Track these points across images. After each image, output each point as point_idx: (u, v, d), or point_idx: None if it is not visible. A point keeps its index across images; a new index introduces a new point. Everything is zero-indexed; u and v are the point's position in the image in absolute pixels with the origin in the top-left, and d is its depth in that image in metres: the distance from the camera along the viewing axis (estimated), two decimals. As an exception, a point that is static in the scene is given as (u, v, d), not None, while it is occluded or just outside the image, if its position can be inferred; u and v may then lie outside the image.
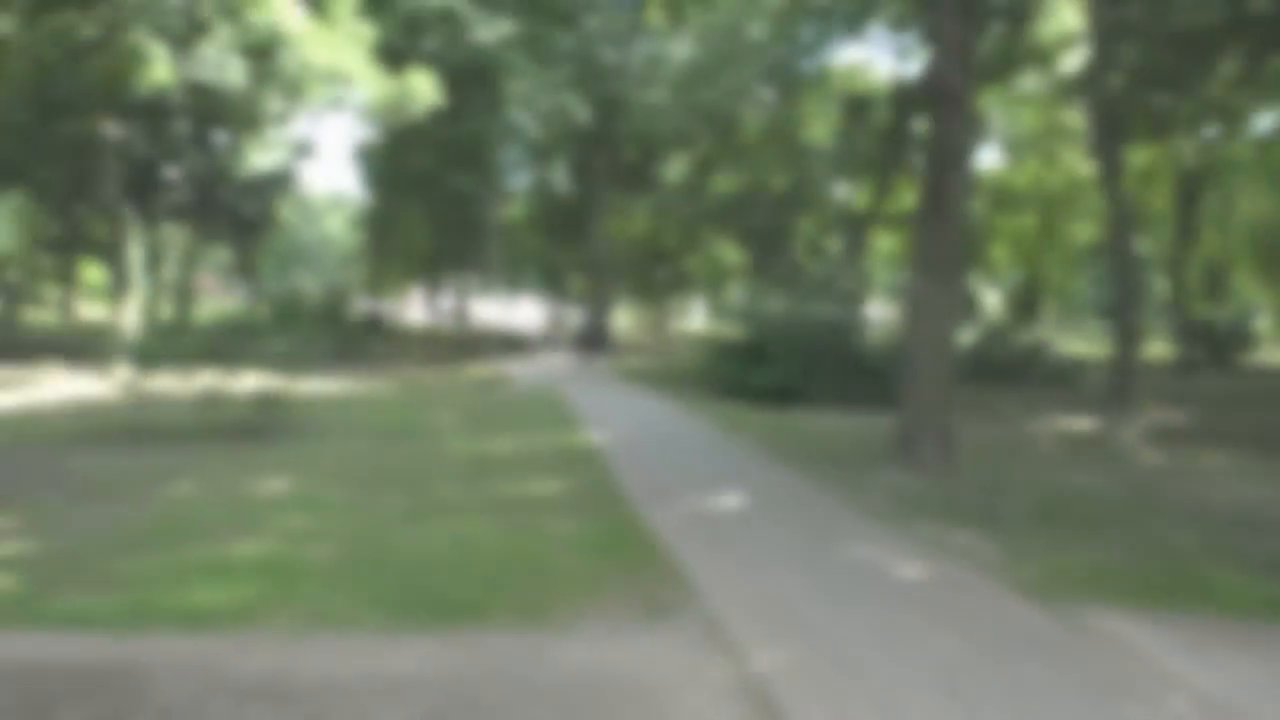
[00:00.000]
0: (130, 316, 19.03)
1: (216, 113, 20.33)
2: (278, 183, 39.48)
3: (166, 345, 11.74)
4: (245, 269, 42.88)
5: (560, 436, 12.50)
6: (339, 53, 18.36)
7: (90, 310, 50.16)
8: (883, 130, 25.46)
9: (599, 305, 34.31)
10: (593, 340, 33.17)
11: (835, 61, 30.52)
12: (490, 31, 24.97)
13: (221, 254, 50.19)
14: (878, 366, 16.85)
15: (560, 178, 30.55)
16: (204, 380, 11.76)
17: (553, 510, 8.13)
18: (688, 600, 5.85)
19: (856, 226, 28.52)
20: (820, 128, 30.82)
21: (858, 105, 27.05)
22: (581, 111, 26.00)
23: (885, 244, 38.03)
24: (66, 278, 45.57)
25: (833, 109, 29.48)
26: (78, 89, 19.00)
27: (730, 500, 8.65)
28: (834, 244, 32.11)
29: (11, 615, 5.22)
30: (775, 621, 5.52)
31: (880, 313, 36.15)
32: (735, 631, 5.35)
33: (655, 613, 5.64)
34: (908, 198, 28.15)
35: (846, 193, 32.11)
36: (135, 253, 19.67)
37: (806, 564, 6.65)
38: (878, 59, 63.01)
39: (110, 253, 19.86)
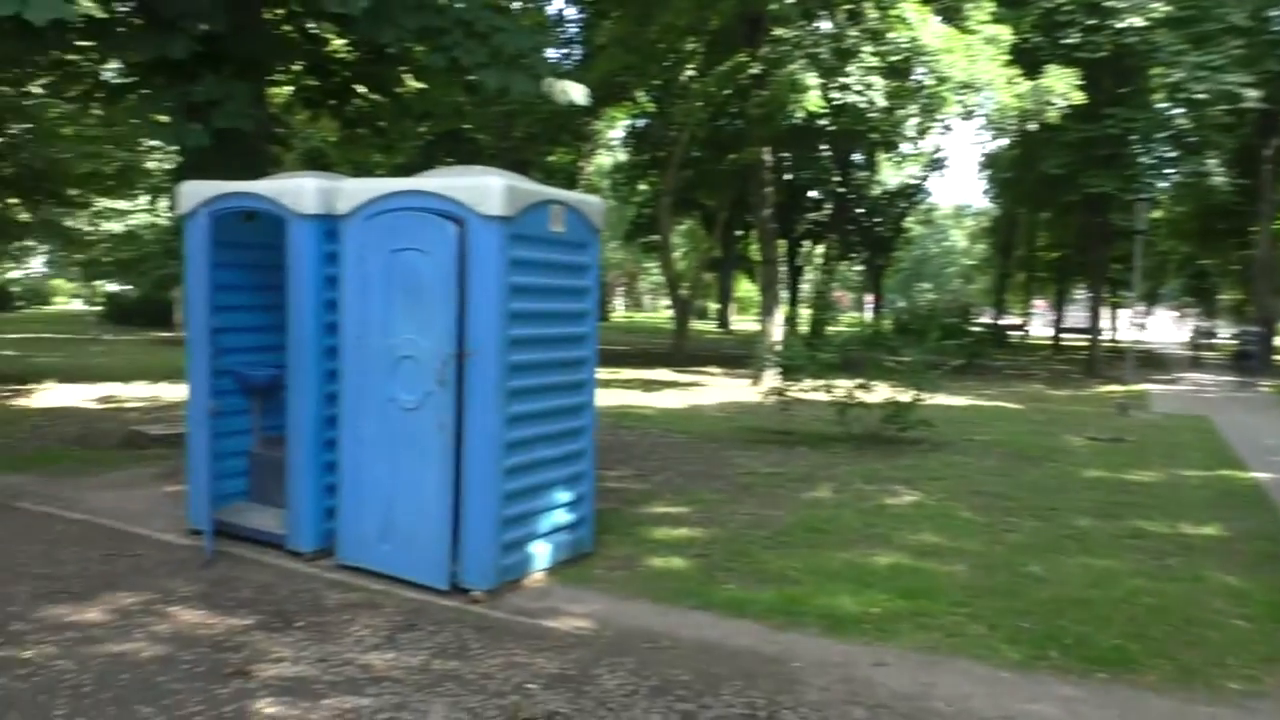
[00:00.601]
0: (777, 328, 20.80)
1: (857, 134, 21.29)
2: (909, 197, 40.46)
3: (807, 355, 12.55)
4: (875, 283, 44.63)
5: (1213, 470, 10.86)
6: (976, 62, 18.09)
7: (742, 322, 56.35)
8: None
9: (1260, 318, 29.28)
10: (1251, 359, 28.43)
11: None
12: (1139, 15, 22.70)
13: (852, 268, 52.98)
14: None
15: (1215, 173, 26.62)
16: (840, 389, 12.36)
17: (1209, 556, 7.03)
18: None
19: None
20: None
21: None
22: (1250, 93, 22.34)
23: None
24: (723, 292, 51.86)
25: None
26: (742, 123, 21.30)
27: None
28: None
29: (688, 595, 5.88)
30: None
31: None
32: None
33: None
34: None
35: None
36: (781, 269, 21.45)
37: None
38: None
39: (762, 269, 21.88)
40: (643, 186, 36.80)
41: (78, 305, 47.98)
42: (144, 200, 19.24)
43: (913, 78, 18.90)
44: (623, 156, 41.27)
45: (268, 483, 6.98)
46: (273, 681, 4.35)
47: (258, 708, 4.11)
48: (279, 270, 6.40)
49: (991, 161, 38.28)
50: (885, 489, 9.28)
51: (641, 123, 31.64)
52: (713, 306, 61.50)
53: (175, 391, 15.35)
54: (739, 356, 28.81)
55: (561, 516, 6.31)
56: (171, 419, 12.24)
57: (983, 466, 10.69)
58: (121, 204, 18.55)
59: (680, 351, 26.40)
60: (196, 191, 6.47)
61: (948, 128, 31.12)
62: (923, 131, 20.92)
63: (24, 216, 14.56)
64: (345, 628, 5.09)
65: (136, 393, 15.54)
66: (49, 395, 14.80)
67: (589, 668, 4.70)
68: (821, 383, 12.52)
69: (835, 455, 11.29)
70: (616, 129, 34.54)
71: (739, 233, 42.09)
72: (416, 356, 5.66)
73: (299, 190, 5.99)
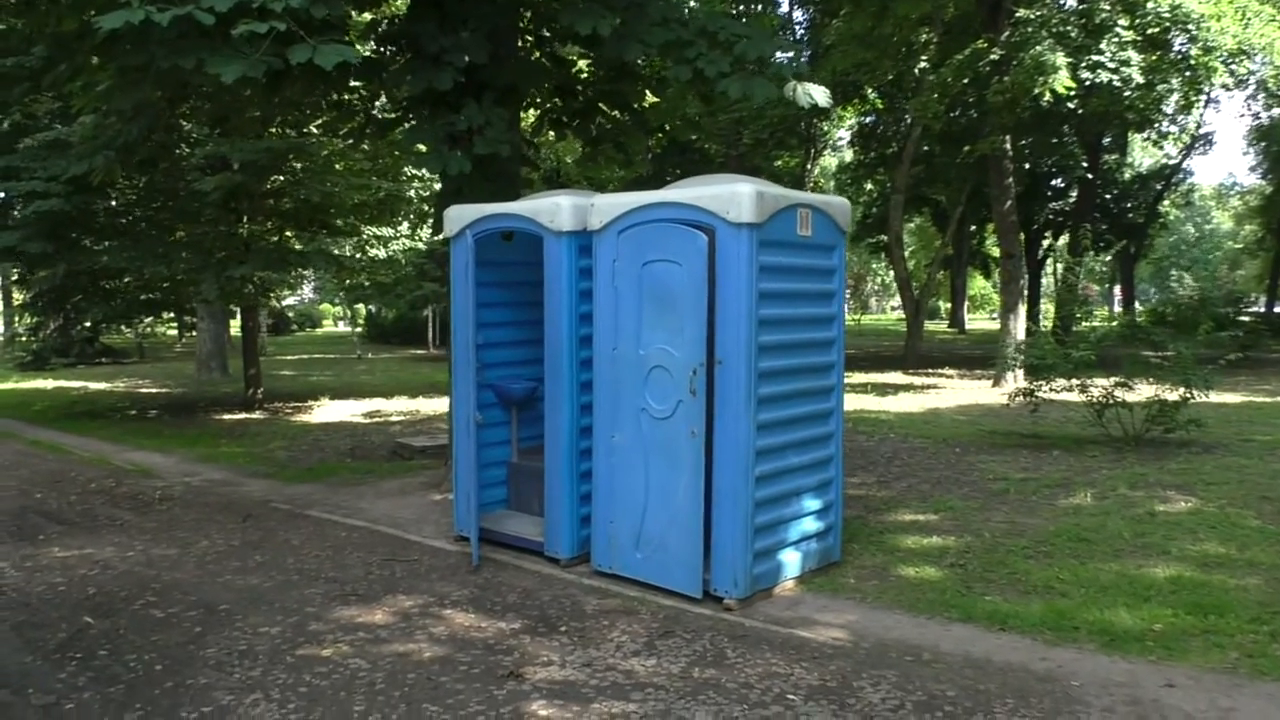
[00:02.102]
0: (1020, 326, 19.71)
1: (1107, 115, 19.87)
2: (1166, 179, 37.35)
3: (1059, 353, 11.79)
4: (1125, 273, 41.45)
5: None
6: (1249, 25, 16.43)
7: (975, 321, 53.89)
8: None
9: None
10: None
11: None
12: None
13: (1099, 259, 49.46)
14: None
15: None
16: (1096, 389, 11.55)
17: None
18: None
19: None
20: None
21: None
22: None
23: None
24: (956, 291, 49.77)
25: None
26: (979, 113, 20.39)
27: None
28: None
29: (946, 606, 5.66)
30: None
31: None
32: None
33: None
34: None
35: None
36: (1030, 263, 20.32)
37: None
38: None
39: (1002, 265, 20.82)
40: (869, 186, 36.00)
41: (342, 327, 52.46)
42: (404, 228, 20.85)
43: (1174, 49, 17.41)
44: (848, 156, 40.54)
45: (526, 491, 7.32)
46: (543, 684, 4.54)
47: (533, 709, 4.30)
48: (535, 286, 6.70)
49: (1265, 133, 34.73)
50: (1155, 494, 8.57)
51: (869, 120, 30.96)
52: (944, 306, 59.23)
53: (433, 405, 16.45)
54: (975, 357, 27.58)
55: (811, 524, 6.24)
56: (431, 431, 13.12)
57: (1268, 470, 9.66)
58: (385, 231, 20.14)
59: (913, 353, 25.54)
60: (461, 215, 6.90)
61: (1214, 100, 28.55)
62: (1185, 108, 19.22)
63: (299, 246, 16.06)
64: (605, 633, 5.25)
65: (398, 407, 16.76)
66: (324, 411, 16.23)
67: (850, 680, 4.60)
68: (1075, 382, 11.73)
69: (1093, 459, 10.55)
70: (843, 129, 33.96)
71: (972, 227, 40.35)
72: (668, 366, 5.77)
73: (555, 209, 6.25)
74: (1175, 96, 18.83)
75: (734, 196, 5.47)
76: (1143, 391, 11.39)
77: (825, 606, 5.72)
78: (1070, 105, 19.00)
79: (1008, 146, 20.04)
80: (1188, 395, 11.14)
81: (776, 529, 5.92)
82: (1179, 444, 11.22)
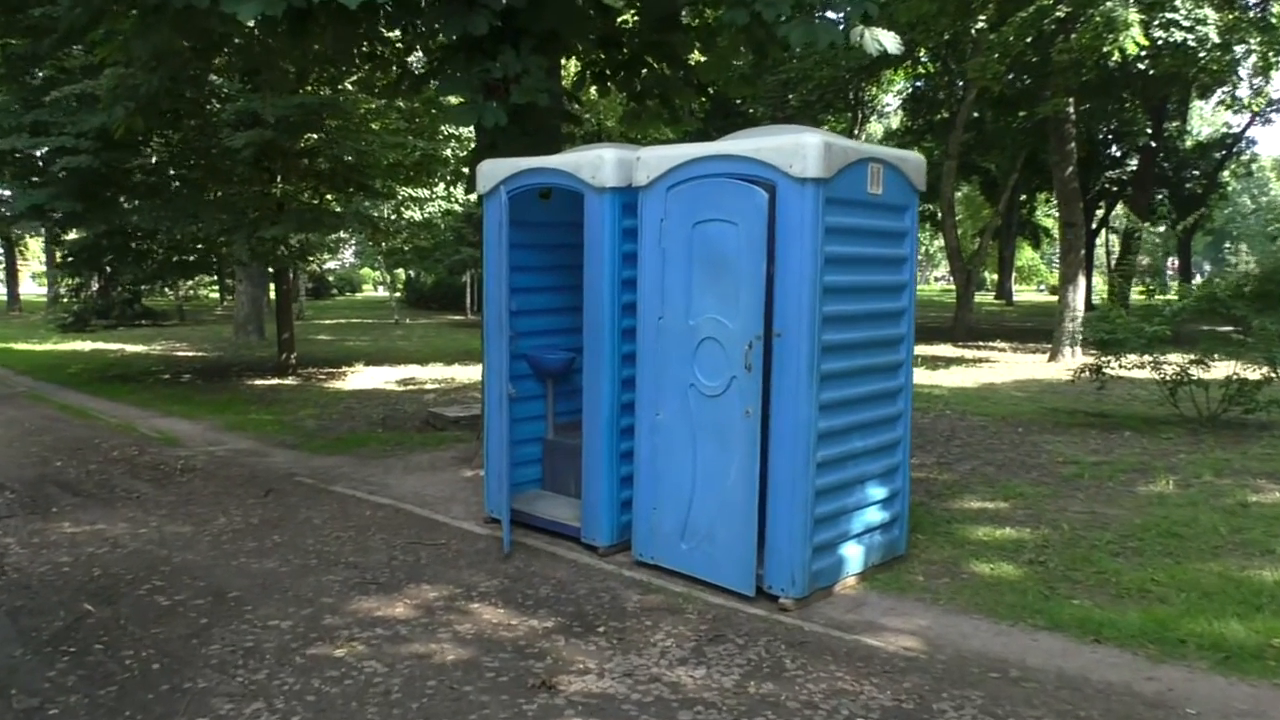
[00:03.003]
0: (1080, 297, 18.85)
1: (1175, 78, 18.79)
2: (1228, 147, 35.80)
3: (1132, 327, 11.01)
4: (1183, 245, 39.96)
5: None
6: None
7: (1024, 293, 52.47)
8: None
9: None
10: None
11: None
12: None
13: (1154, 230, 47.82)
14: None
15: None
16: (1169, 366, 10.80)
17: None
18: None
19: None
20: None
21: None
22: None
23: None
24: (1004, 262, 48.42)
25: None
26: (1038, 76, 19.40)
27: None
28: None
29: (1029, 611, 5.06)
30: None
31: None
32: None
33: None
34: None
35: None
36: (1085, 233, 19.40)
37: None
38: None
39: (1063, 234, 19.89)
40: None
41: (382, 292, 52.29)
42: (441, 189, 20.27)
43: (1252, 7, 16.32)
44: (894, 123, 39.34)
45: (562, 471, 6.80)
46: (578, 698, 4.00)
47: (566, 727, 3.79)
48: (574, 250, 6.14)
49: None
50: (1244, 483, 7.88)
51: (920, 85, 29.89)
52: (990, 277, 57.81)
53: (468, 373, 16.01)
54: (1026, 330, 26.68)
55: (875, 515, 5.64)
56: (465, 400, 12.66)
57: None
58: (421, 192, 19.61)
59: (962, 325, 24.66)
60: (495, 169, 6.33)
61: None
62: (1264, 69, 18.09)
63: (337, 208, 15.63)
64: (648, 635, 4.71)
65: (433, 374, 16.33)
66: (358, 378, 15.84)
67: (929, 700, 4.03)
68: (1148, 358, 10.97)
69: (1168, 441, 9.84)
70: (892, 94, 32.89)
71: (1022, 197, 39.06)
72: (720, 338, 5.18)
73: (597, 162, 5.66)
74: (1253, 58, 17.71)
75: (799, 148, 4.84)
76: (1218, 370, 10.63)
77: (893, 608, 5.14)
78: (1140, 66, 17.96)
79: (1070, 110, 19.06)
80: (1271, 374, 10.36)
81: (838, 520, 5.34)
82: (1258, 426, 10.48)
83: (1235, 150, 37.23)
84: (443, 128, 15.94)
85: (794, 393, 4.96)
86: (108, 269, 17.69)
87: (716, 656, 4.46)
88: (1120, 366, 11.20)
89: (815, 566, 5.14)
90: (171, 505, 7.29)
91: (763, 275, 4.96)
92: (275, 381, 15.19)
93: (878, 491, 5.62)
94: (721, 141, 5.40)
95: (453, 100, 8.03)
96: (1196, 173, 35.53)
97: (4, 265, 41.37)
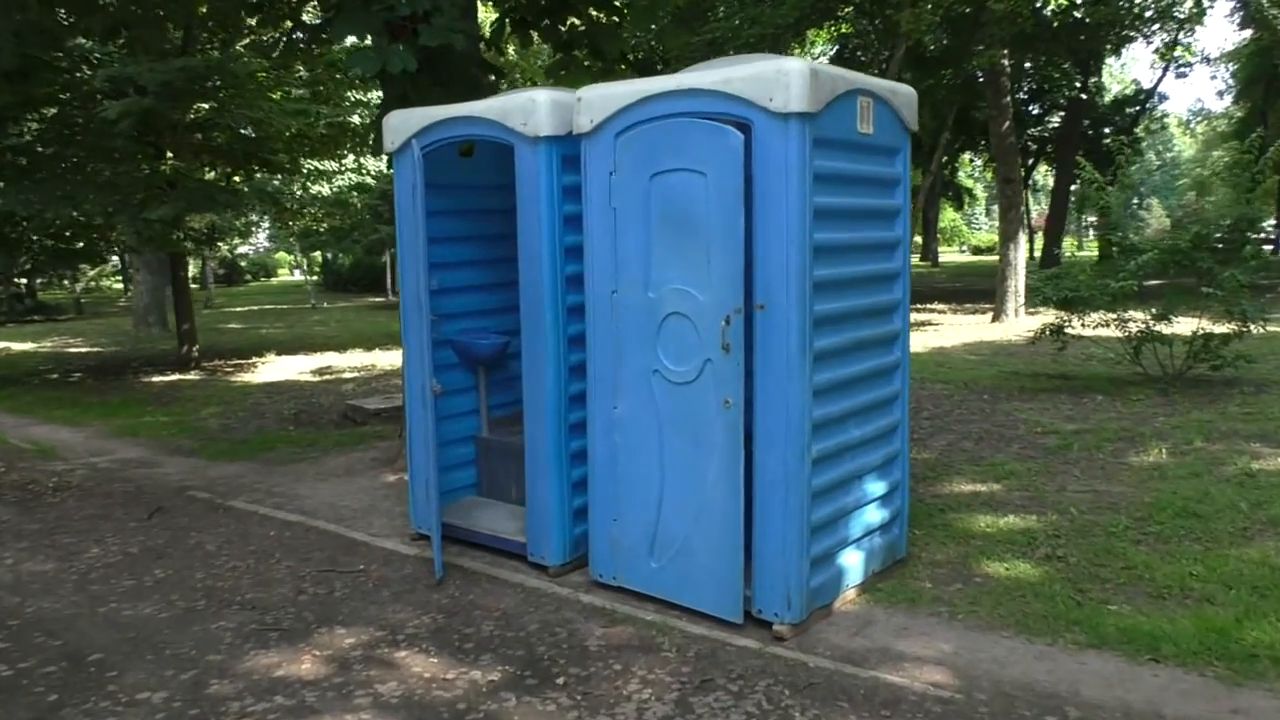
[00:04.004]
0: (1021, 255, 18.39)
1: (1108, 25, 18.34)
2: (1139, 104, 35.95)
3: (1092, 284, 10.40)
4: (1094, 200, 40.16)
5: None
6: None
7: (948, 254, 52.59)
8: None
9: None
10: None
11: None
12: None
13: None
14: None
15: None
16: (1134, 323, 10.25)
17: None
18: None
19: None
20: None
21: None
22: None
23: None
24: (928, 223, 48.32)
25: None
26: (970, 28, 18.77)
27: None
28: None
29: (1064, 622, 4.28)
30: None
31: None
32: None
33: None
34: None
35: None
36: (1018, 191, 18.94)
37: None
38: None
39: (1001, 190, 19.37)
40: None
41: (299, 276, 50.20)
42: (350, 160, 18.82)
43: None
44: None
45: (500, 474, 5.85)
46: (543, 786, 3.09)
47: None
48: (505, 216, 5.17)
49: (1240, 58, 33.26)
50: (1238, 448, 7.28)
51: (845, 45, 29.17)
52: (915, 239, 57.88)
53: (390, 359, 14.86)
54: (960, 291, 26.38)
55: (874, 514, 4.81)
56: (387, 390, 11.58)
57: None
58: (329, 165, 18.19)
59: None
60: (405, 121, 5.28)
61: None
62: (1197, 16, 17.74)
63: (240, 187, 14.29)
64: (620, 685, 3.80)
65: (352, 361, 15.15)
66: (269, 369, 14.59)
67: (982, 759, 3.20)
68: (1112, 316, 10.39)
69: (1140, 404, 9.27)
70: (817, 51, 32.11)
71: (943, 158, 38.80)
72: (689, 313, 4.27)
73: (529, 106, 4.67)
74: (1189, 3, 17.36)
75: (780, 76, 3.91)
76: (1179, 326, 10.10)
77: (906, 628, 4.31)
78: (1076, 15, 17.47)
79: (1006, 62, 18.52)
80: (1241, 328, 9.85)
81: (836, 525, 4.49)
82: (1224, 383, 10.00)
83: (1149, 106, 37.47)
84: (349, 93, 14.65)
85: (784, 376, 4.07)
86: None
87: (708, 711, 3.57)
88: (1083, 326, 10.62)
89: (814, 583, 4.28)
90: (35, 535, 6.14)
91: (740, 235, 4.05)
92: (176, 377, 13.86)
93: (877, 486, 4.78)
94: (682, 74, 4.44)
95: (352, 44, 6.92)
96: (1111, 129, 35.64)
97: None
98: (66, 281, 36.96)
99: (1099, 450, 7.45)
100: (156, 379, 13.74)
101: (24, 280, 31.11)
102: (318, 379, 13.42)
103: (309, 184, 19.18)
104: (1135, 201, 67.40)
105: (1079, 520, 5.70)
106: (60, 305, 31.18)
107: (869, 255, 4.60)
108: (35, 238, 13.73)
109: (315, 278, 41.25)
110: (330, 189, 21.40)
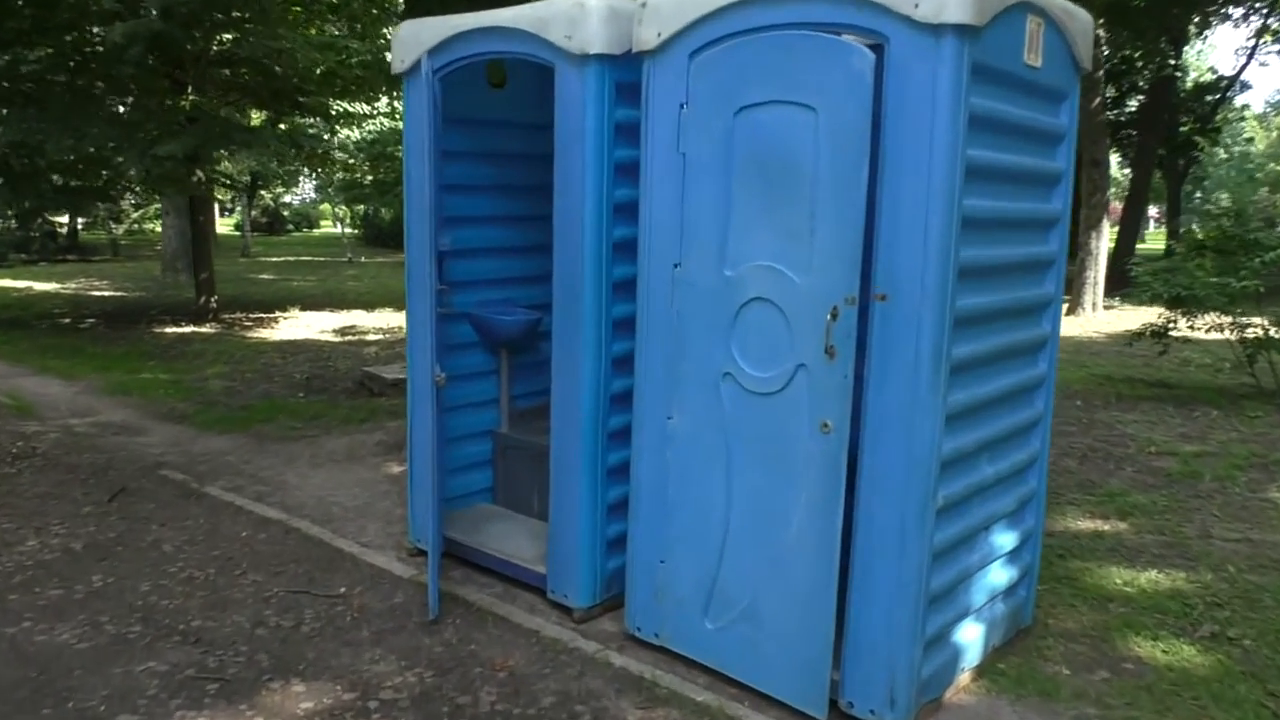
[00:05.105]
0: (1104, 245, 16.98)
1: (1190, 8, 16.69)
2: (1220, 91, 33.82)
3: (1208, 283, 9.11)
4: (1173, 191, 38.15)
5: None
6: None
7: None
8: None
9: None
10: None
11: None
12: None
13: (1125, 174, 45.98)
14: None
15: None
16: (1255, 329, 9.00)
17: None
18: None
19: None
20: None
21: None
22: None
23: None
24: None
25: None
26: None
27: None
28: None
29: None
30: None
31: None
32: None
33: None
34: None
35: None
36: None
37: None
38: None
39: (1087, 174, 17.89)
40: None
41: (340, 228, 49.44)
42: (384, 104, 17.74)
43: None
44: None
45: (521, 479, 4.79)
46: None
47: None
48: (540, 162, 4.06)
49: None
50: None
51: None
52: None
53: (417, 320, 13.86)
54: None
55: (1000, 574, 3.67)
56: (409, 357, 10.57)
57: None
58: (360, 107, 17.11)
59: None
60: (417, 33, 4.16)
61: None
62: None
63: (258, 124, 13.28)
64: (664, 811, 2.73)
65: (379, 322, 14.19)
66: (290, 325, 13.66)
67: None
68: (1229, 319, 9.14)
69: (1260, 422, 8.10)
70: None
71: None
72: (779, 300, 3.14)
73: (575, 14, 3.53)
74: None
75: (933, -28, 2.76)
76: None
77: (1048, 739, 3.19)
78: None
79: (1101, 32, 16.97)
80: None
81: (956, 593, 3.37)
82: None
83: (1230, 94, 35.33)
84: (387, 30, 13.52)
85: (909, 393, 2.94)
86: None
87: None
88: (1191, 328, 9.39)
89: (926, 671, 3.17)
90: (-30, 517, 5.19)
91: (862, 194, 2.91)
92: (190, 329, 12.95)
93: (1006, 539, 3.65)
94: (788, -31, 3.27)
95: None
96: (1188, 117, 33.58)
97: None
98: (112, 222, 36.44)
99: (1232, 481, 6.25)
100: (169, 330, 12.84)
101: (64, 219, 30.60)
102: (339, 339, 12.45)
103: (337, 127, 18.09)
104: (1199, 196, 64.81)
105: (1240, 582, 4.53)
106: (97, 246, 30.60)
107: (1023, 234, 3.43)
108: (55, 176, 12.81)
109: (354, 231, 40.40)
110: (360, 133, 20.31)
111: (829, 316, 3.00)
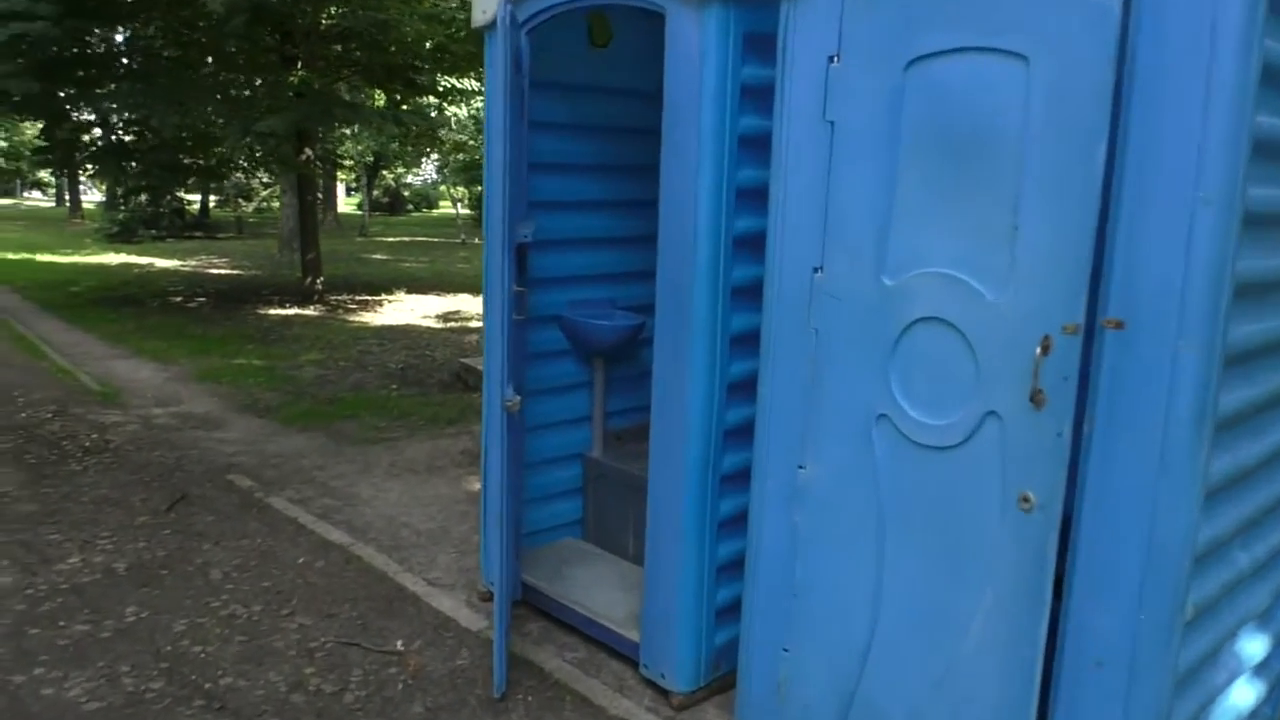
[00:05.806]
0: None
1: None
2: None
3: None
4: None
5: None
6: None
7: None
8: None
9: None
10: None
11: None
12: None
13: None
14: None
15: None
16: None
17: None
18: None
19: None
20: None
21: None
22: None
23: None
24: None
25: None
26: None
27: None
28: None
29: None
30: None
31: None
32: None
33: None
34: None
35: None
36: None
37: None
38: None
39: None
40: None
41: (459, 209, 49.79)
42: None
43: None
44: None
45: (614, 513, 4.05)
46: None
47: None
48: (646, 137, 3.30)
49: None
50: None
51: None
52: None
53: (522, 308, 13.30)
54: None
55: (1245, 693, 2.74)
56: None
57: None
58: (469, 83, 16.63)
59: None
60: (495, -23, 3.44)
61: None
62: None
63: (361, 100, 12.86)
64: None
65: (482, 308, 13.69)
66: (394, 309, 13.27)
67: None
68: None
69: None
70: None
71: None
72: (960, 322, 2.29)
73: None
74: None
75: None
76: None
77: None
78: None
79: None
80: None
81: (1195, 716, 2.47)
82: None
83: None
84: None
85: (1154, 460, 2.06)
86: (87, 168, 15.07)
87: None
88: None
89: (1152, 839, 2.29)
90: (17, 524, 4.73)
91: (1098, 181, 2.03)
92: (294, 311, 12.68)
93: (1255, 646, 2.72)
94: None
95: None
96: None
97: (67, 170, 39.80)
98: (241, 199, 37.34)
99: None
100: (273, 312, 12.59)
101: (195, 197, 31.37)
102: (441, 325, 11.97)
103: (444, 104, 17.65)
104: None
105: None
106: (223, 224, 31.29)
107: (1308, 235, 2.49)
108: (143, 146, 12.62)
109: (469, 212, 40.45)
110: (469, 110, 19.87)
111: (1038, 350, 2.13)
